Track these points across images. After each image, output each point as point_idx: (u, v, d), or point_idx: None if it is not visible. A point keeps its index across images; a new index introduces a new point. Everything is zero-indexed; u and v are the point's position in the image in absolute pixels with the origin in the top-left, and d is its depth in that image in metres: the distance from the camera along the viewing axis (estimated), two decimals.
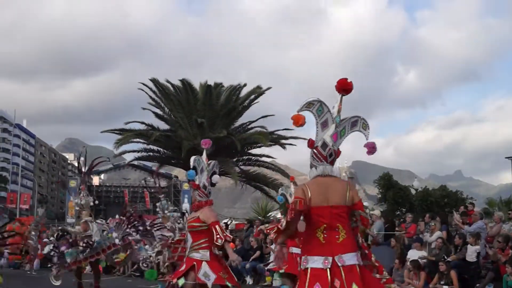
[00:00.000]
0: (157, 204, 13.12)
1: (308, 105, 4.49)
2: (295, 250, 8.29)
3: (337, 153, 4.59)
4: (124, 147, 37.73)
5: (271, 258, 10.80)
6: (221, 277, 6.72)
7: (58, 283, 10.23)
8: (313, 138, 4.61)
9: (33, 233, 19.32)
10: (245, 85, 37.51)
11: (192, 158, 7.24)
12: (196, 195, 7.14)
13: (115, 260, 10.84)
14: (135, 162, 46.45)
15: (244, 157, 38.23)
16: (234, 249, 17.24)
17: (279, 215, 21.61)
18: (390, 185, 27.88)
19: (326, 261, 4.34)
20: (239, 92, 37.43)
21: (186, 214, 12.18)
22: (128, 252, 10.59)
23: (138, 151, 38.66)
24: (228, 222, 19.53)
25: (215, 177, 7.44)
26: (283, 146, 37.06)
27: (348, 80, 4.53)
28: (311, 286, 4.33)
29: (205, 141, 7.43)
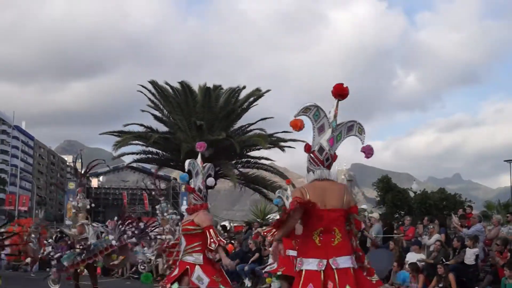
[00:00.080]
0: (157, 206, 13.13)
1: (305, 110, 4.56)
2: (292, 253, 8.30)
3: (334, 157, 4.66)
4: (123, 149, 37.75)
5: (270, 260, 10.81)
6: (214, 281, 6.71)
7: (56, 287, 10.25)
8: (310, 143, 4.68)
9: (33, 235, 19.32)
10: (244, 87, 37.56)
11: (187, 162, 7.25)
12: (191, 198, 7.14)
13: (111, 263, 10.84)
14: (134, 164, 46.37)
15: (243, 159, 38.25)
16: (233, 251, 17.30)
17: (278, 217, 21.55)
18: (388, 188, 27.88)
19: (321, 264, 4.42)
20: (238, 95, 37.46)
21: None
22: (124, 255, 10.61)
23: (137, 153, 38.71)
24: (228, 226, 19.53)
25: (210, 180, 7.44)
26: (282, 148, 37.10)
27: (344, 85, 4.60)
28: (304, 287, 4.41)
29: (200, 144, 7.43)
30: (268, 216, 30.06)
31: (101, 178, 71.32)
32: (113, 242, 10.16)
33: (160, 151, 38.34)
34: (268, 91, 37.95)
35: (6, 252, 19.01)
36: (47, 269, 11.86)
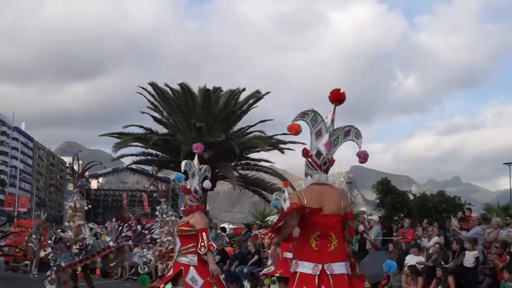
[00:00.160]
0: (157, 208, 13.15)
1: (302, 115, 4.60)
2: (289, 255, 8.31)
3: (331, 161, 4.70)
4: (123, 151, 37.77)
5: (269, 262, 10.83)
6: (208, 282, 6.69)
7: (52, 287, 10.25)
8: (308, 148, 4.72)
9: (33, 236, 19.34)
10: (244, 89, 37.60)
11: (183, 163, 7.25)
12: (187, 199, 7.13)
13: (110, 264, 10.84)
14: (134, 166, 46.44)
15: (242, 161, 38.27)
16: (232, 253, 17.31)
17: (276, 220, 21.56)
18: (388, 190, 27.91)
19: (316, 268, 4.46)
20: (238, 97, 37.49)
21: None
22: (120, 256, 10.63)
23: (136, 155, 38.71)
24: (223, 234, 19.47)
25: (207, 183, 7.44)
26: (281, 150, 37.12)
27: (341, 91, 4.63)
28: None
29: (197, 146, 7.43)
30: (268, 218, 30.11)
31: (100, 179, 71.47)
32: (111, 243, 10.18)
33: (160, 153, 38.36)
34: (267, 93, 38.01)
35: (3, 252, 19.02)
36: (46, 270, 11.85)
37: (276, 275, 9.50)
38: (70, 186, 11.11)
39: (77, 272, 10.29)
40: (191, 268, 6.75)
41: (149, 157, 38.66)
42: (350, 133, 4.76)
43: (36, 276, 17.74)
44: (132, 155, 38.92)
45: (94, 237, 10.48)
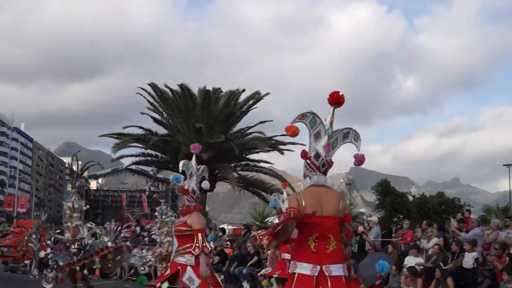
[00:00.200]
0: (157, 208, 13.14)
1: (301, 117, 4.62)
2: (288, 256, 8.31)
3: (330, 163, 4.72)
4: (122, 152, 37.72)
5: (268, 263, 10.85)
6: (206, 282, 6.72)
7: (49, 286, 10.25)
8: (306, 149, 4.74)
9: (33, 236, 19.33)
10: (243, 90, 37.56)
11: (181, 163, 7.25)
12: (184, 199, 7.13)
13: (108, 264, 10.84)
14: (133, 167, 46.42)
15: (242, 162, 38.23)
16: (232, 254, 17.32)
17: (276, 221, 21.57)
18: (387, 192, 27.95)
19: (314, 269, 4.47)
20: (237, 98, 37.46)
21: None
22: (119, 257, 10.63)
23: (136, 156, 38.65)
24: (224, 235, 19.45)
25: (205, 184, 7.44)
26: (281, 151, 37.08)
27: (340, 93, 4.65)
28: None
29: (195, 146, 7.43)
30: (267, 219, 30.08)
31: (100, 180, 71.43)
32: (109, 244, 10.20)
33: (159, 154, 38.32)
34: (267, 94, 37.98)
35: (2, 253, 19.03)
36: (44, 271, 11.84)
37: (274, 276, 9.51)
38: (70, 187, 11.12)
39: (76, 272, 10.29)
40: (188, 268, 6.76)
41: (149, 158, 38.63)
42: (349, 135, 4.77)
43: (37, 276, 17.73)
44: (132, 156, 38.90)
45: (93, 237, 10.49)
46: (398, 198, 27.55)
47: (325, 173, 4.69)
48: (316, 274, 4.44)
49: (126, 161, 43.59)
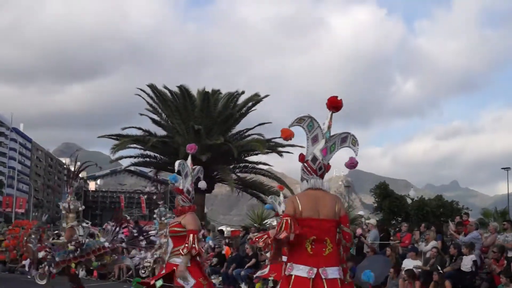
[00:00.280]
0: (155, 210, 13.14)
1: (299, 121, 4.67)
2: (285, 259, 8.31)
3: (327, 167, 4.76)
4: (121, 153, 37.71)
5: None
6: (200, 283, 6.70)
7: (42, 282, 10.25)
8: (304, 152, 4.79)
9: (33, 236, 19.28)
10: (243, 92, 37.56)
11: (177, 162, 7.23)
12: (179, 200, 7.11)
13: (104, 262, 10.81)
14: (132, 168, 46.37)
15: (240, 164, 38.24)
16: (230, 255, 17.32)
17: (274, 223, 21.55)
18: (386, 194, 27.93)
19: (311, 272, 4.52)
20: (236, 99, 37.47)
21: None
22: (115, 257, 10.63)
23: (134, 157, 38.64)
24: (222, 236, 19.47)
25: (202, 184, 7.43)
26: (279, 153, 37.09)
27: (338, 98, 4.71)
28: None
29: (191, 146, 7.42)
30: (265, 221, 30.04)
31: (98, 181, 71.39)
32: (106, 244, 10.20)
33: (158, 155, 38.32)
34: (266, 96, 38.01)
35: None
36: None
37: (270, 278, 9.51)
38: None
39: (71, 269, 10.24)
40: None
41: (148, 159, 38.63)
42: (347, 139, 4.82)
43: (30, 277, 17.73)
44: (131, 157, 38.90)
45: (91, 237, 10.48)
46: (397, 201, 27.54)
47: (322, 176, 4.74)
48: (313, 277, 4.48)
49: (125, 162, 43.58)
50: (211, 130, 35.50)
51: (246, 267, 15.81)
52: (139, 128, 37.59)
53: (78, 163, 11.63)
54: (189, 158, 7.33)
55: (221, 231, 22.72)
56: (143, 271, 12.57)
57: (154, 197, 13.97)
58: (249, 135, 37.86)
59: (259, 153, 36.49)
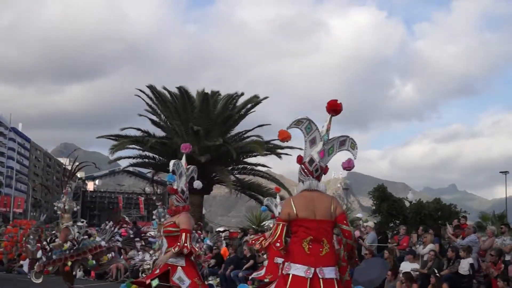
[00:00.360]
0: (154, 211, 13.12)
1: (297, 123, 4.73)
2: (280, 260, 8.33)
3: (325, 170, 4.78)
4: (120, 153, 37.61)
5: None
6: (195, 283, 6.71)
7: (38, 281, 10.26)
8: (302, 155, 4.84)
9: (31, 236, 19.26)
10: (242, 94, 37.54)
11: (172, 162, 7.23)
12: (173, 199, 7.11)
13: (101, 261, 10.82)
14: (130, 169, 46.34)
15: (239, 165, 38.22)
16: (228, 257, 17.32)
17: (272, 225, 21.54)
18: (384, 197, 27.96)
19: (308, 271, 4.55)
20: (236, 101, 37.46)
21: None
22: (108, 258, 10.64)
23: (133, 158, 38.57)
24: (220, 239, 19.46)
25: (198, 183, 7.43)
26: (278, 155, 37.10)
27: (338, 102, 4.75)
28: None
29: (185, 146, 7.43)
30: (263, 222, 30.08)
31: (97, 181, 71.35)
32: (102, 243, 10.22)
33: (157, 156, 38.31)
34: (266, 98, 38.01)
35: None
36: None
37: (265, 280, 9.51)
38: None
39: (66, 266, 10.23)
40: (179, 268, 6.76)
41: (146, 160, 38.59)
42: (345, 143, 4.87)
43: (28, 277, 17.73)
44: (129, 157, 38.81)
45: (87, 236, 10.49)
46: (395, 204, 27.57)
47: (318, 178, 4.77)
48: (311, 276, 4.52)
49: (123, 163, 43.47)
50: (210, 132, 35.49)
51: (244, 268, 15.81)
52: (138, 129, 37.58)
53: (76, 163, 11.63)
54: (184, 157, 7.33)
55: (219, 232, 22.75)
56: (143, 275, 12.52)
57: (154, 197, 13.95)
58: (248, 137, 37.86)
59: (258, 155, 36.47)
